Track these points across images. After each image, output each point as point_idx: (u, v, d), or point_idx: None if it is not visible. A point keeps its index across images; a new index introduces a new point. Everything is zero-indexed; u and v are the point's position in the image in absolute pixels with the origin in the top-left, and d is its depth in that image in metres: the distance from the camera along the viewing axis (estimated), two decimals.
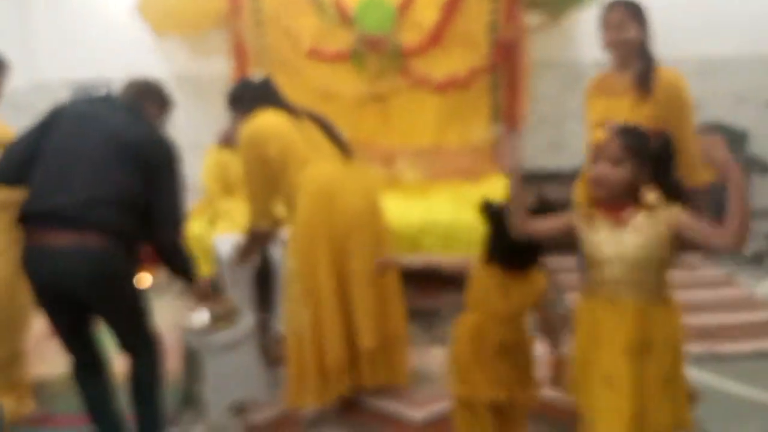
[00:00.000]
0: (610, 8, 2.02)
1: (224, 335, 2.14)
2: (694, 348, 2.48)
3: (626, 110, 1.95)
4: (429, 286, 2.83)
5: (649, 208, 1.39)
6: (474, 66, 3.58)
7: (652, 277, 1.40)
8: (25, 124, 1.85)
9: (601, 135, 1.39)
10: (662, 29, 2.02)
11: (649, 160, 1.39)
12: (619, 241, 1.39)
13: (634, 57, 2.00)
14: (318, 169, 1.98)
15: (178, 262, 1.94)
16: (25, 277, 1.71)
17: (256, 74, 2.28)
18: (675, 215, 1.37)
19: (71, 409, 2.03)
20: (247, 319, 2.26)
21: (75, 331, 1.82)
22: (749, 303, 2.92)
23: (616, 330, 1.40)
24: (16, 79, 2.17)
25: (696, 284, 3.12)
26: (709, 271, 3.31)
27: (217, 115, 2.27)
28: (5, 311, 1.97)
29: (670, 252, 1.39)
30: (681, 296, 1.30)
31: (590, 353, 1.46)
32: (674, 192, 1.44)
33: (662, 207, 1.39)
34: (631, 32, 1.98)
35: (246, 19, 3.55)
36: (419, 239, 2.81)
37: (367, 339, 2.03)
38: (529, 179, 2.12)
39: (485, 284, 1.64)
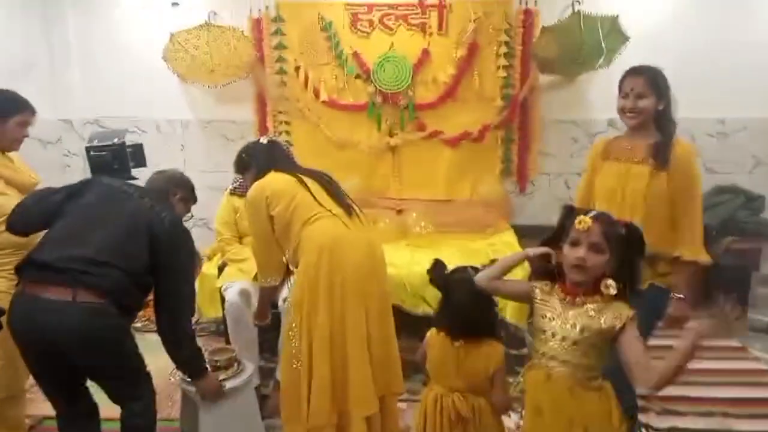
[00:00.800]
0: (629, 75, 1.99)
1: (223, 384, 2.13)
2: (704, 423, 2.40)
3: (646, 177, 1.92)
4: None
5: (605, 298, 1.41)
6: (487, 121, 3.64)
7: (586, 361, 1.42)
8: (49, 156, 1.89)
9: (588, 221, 1.40)
10: (680, 90, 1.98)
11: (619, 251, 1.41)
12: (566, 319, 1.42)
13: (649, 125, 1.98)
14: (321, 225, 2.01)
15: (186, 353, 1.93)
16: (9, 325, 1.67)
17: (263, 137, 2.37)
18: (623, 319, 1.37)
19: None
20: (248, 369, 2.25)
21: (60, 384, 1.80)
22: (763, 377, 2.82)
23: (559, 404, 1.41)
24: (43, 113, 2.23)
25: (707, 354, 3.00)
26: (722, 341, 3.20)
27: None
28: (8, 352, 1.95)
29: (607, 346, 1.41)
30: (690, 365, 1.28)
31: (538, 424, 1.46)
32: (631, 289, 1.44)
33: (616, 303, 1.41)
34: (649, 101, 1.94)
35: (268, 69, 3.69)
36: (424, 290, 2.79)
37: (360, 407, 1.98)
38: (537, 234, 2.13)
39: (438, 354, 1.62)
